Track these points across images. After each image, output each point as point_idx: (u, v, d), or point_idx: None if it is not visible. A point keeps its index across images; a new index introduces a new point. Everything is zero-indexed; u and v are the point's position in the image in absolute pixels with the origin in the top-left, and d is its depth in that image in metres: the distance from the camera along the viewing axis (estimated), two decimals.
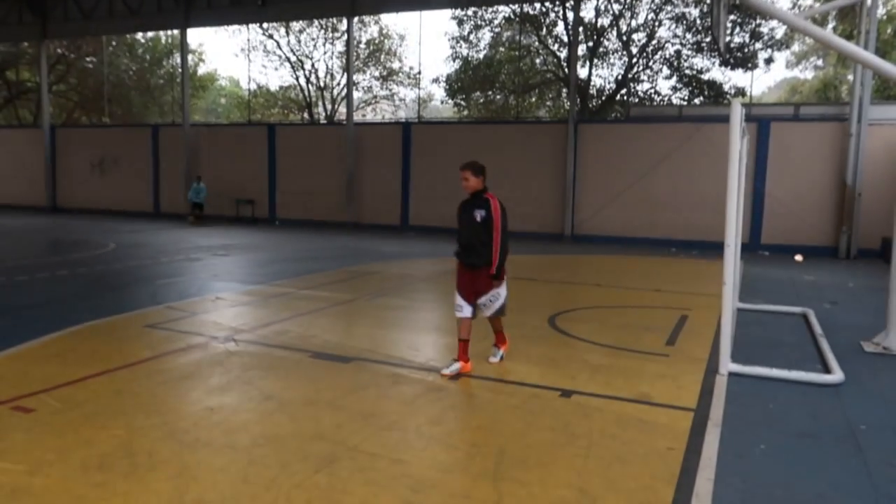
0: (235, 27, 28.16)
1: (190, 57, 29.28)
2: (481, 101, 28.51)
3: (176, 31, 25.24)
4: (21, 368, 5.33)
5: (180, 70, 24.43)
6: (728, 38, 22.57)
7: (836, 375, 5.53)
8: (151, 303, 8.20)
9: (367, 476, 3.52)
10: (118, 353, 5.82)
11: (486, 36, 27.51)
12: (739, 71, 24.30)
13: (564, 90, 25.79)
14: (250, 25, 26.03)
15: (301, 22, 29.16)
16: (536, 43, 26.47)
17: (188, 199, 22.10)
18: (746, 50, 23.34)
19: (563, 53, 25.73)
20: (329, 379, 5.23)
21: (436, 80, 28.81)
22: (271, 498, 3.26)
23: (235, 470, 3.57)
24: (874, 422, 4.57)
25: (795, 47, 32.75)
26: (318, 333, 6.75)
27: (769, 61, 24.12)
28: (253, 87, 31.81)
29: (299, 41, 30.80)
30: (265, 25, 29.32)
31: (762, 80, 53.98)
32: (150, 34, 32.81)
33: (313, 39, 30.62)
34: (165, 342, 6.24)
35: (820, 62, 35.79)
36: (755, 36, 23.22)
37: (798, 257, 15.81)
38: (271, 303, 8.43)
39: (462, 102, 28.60)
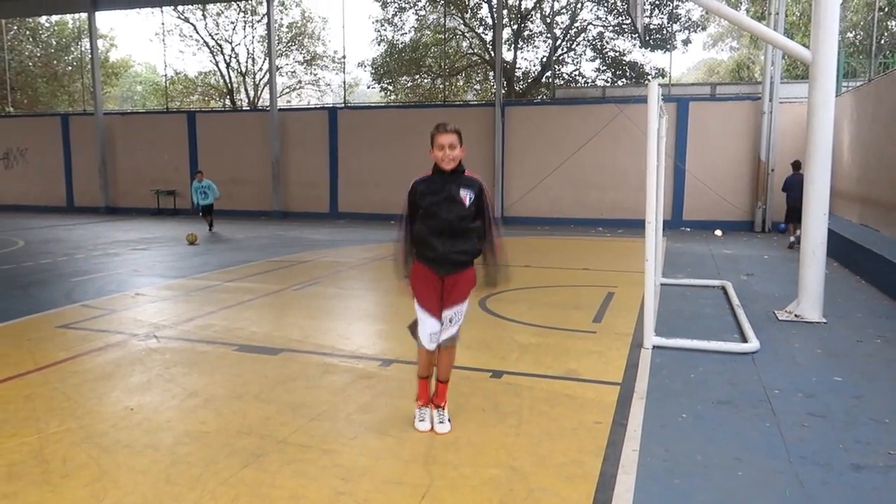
0: (148, 10, 26.87)
1: (100, 42, 27.90)
2: (408, 84, 28.30)
3: (83, 15, 23.90)
4: None
5: (90, 56, 23.19)
6: (647, 21, 23.15)
7: (752, 344, 5.79)
8: (66, 302, 7.79)
9: (296, 468, 3.45)
10: (29, 355, 5.50)
11: (410, 18, 27.29)
12: (659, 52, 24.97)
13: (491, 73, 25.90)
14: (164, 8, 24.88)
15: (218, 4, 28.13)
16: (462, 26, 26.44)
17: (195, 204, 16.42)
18: (665, 31, 23.98)
19: (489, 36, 25.81)
20: (256, 372, 5.10)
21: (361, 65, 28.39)
22: (196, 497, 3.15)
23: (157, 471, 3.43)
24: (786, 386, 4.80)
25: (711, 29, 34.00)
26: (244, 326, 6.57)
27: (686, 42, 24.89)
28: (170, 73, 30.60)
29: (217, 24, 29.72)
30: (180, 8, 28.13)
31: (681, 62, 55.72)
32: (55, 18, 30.96)
33: (232, 23, 29.61)
34: (81, 342, 5.94)
35: (735, 43, 37.27)
36: (673, 17, 23.89)
37: (718, 232, 16.48)
38: (194, 297, 8.16)
39: (389, 87, 28.32)
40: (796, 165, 12.81)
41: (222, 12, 29.28)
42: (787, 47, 7.21)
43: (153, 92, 36.16)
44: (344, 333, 6.37)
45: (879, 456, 3.64)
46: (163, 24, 32.50)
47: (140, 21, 70.76)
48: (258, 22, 28.87)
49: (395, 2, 26.62)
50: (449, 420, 3.99)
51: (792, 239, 12.97)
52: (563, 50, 25.92)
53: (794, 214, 12.19)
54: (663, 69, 24.93)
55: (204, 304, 7.68)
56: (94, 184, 23.04)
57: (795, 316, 6.96)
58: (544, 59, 25.90)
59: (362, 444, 3.77)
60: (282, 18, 28.98)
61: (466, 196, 3.77)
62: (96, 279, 9.38)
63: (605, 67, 25.85)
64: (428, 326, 3.88)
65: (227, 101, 30.81)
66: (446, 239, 3.79)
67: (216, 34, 29.91)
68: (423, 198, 3.78)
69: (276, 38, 24.61)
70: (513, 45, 25.59)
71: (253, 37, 29.79)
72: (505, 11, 23.03)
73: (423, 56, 27.22)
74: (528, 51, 26.67)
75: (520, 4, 25.39)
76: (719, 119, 17.55)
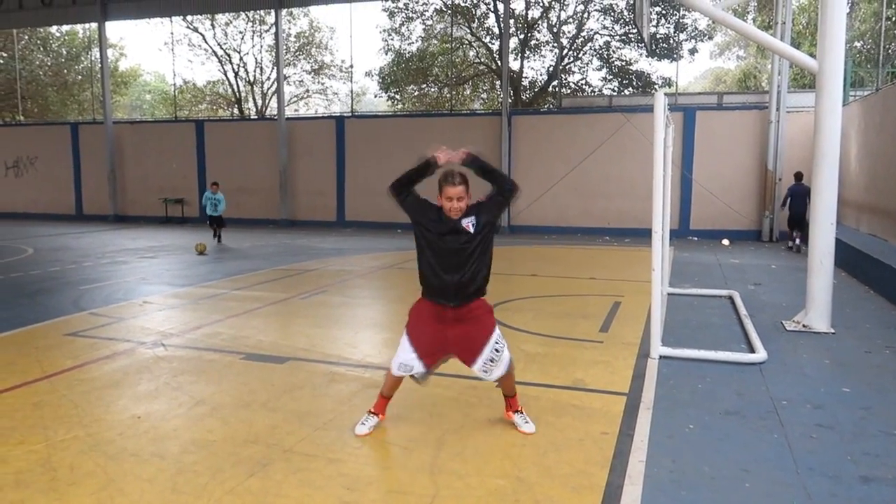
0: (158, 20, 27.07)
1: (110, 51, 28.11)
2: (415, 93, 28.40)
3: (94, 25, 24.11)
4: None
5: (100, 65, 23.39)
6: (653, 30, 23.17)
7: (760, 354, 5.76)
8: (73, 309, 7.84)
9: (301, 477, 3.46)
10: (37, 363, 5.53)
11: (417, 28, 27.41)
12: (666, 62, 24.99)
13: (498, 82, 25.97)
14: (173, 18, 25.07)
15: (227, 14, 28.33)
16: (469, 35, 26.53)
17: (208, 213, 16.16)
18: (671, 41, 23.99)
19: (496, 46, 25.88)
20: (263, 380, 5.11)
21: (368, 74, 28.45)
22: None
23: (164, 479, 3.44)
24: (794, 397, 4.77)
25: (718, 38, 33.96)
26: (251, 334, 6.59)
27: (693, 52, 24.87)
28: (179, 82, 30.81)
29: (226, 34, 29.92)
30: (189, 18, 28.35)
31: (688, 71, 55.50)
32: (65, 28, 31.26)
33: (241, 32, 29.82)
34: (89, 350, 5.97)
35: (741, 53, 37.23)
36: (679, 27, 23.90)
37: (725, 241, 16.41)
38: (202, 305, 8.19)
39: (396, 96, 28.42)
40: (798, 176, 13.98)
41: (231, 22, 29.51)
42: (793, 57, 7.21)
43: (162, 101, 36.43)
44: (351, 342, 6.38)
45: (889, 468, 3.61)
46: (172, 33, 32.73)
47: (149, 31, 71.12)
48: (266, 31, 29.09)
49: (402, 12, 26.77)
50: (530, 420, 4.15)
51: (791, 243, 14.31)
52: (569, 59, 25.97)
53: (795, 221, 13.86)
54: (670, 78, 24.92)
55: (211, 312, 7.70)
56: (103, 192, 23.19)
57: (803, 326, 6.93)
58: (551, 69, 25.96)
59: (368, 454, 3.77)
60: (290, 28, 29.18)
61: (469, 224, 3.84)
62: (104, 287, 9.43)
63: (611, 77, 25.87)
64: (403, 357, 3.96)
65: (235, 110, 30.99)
66: (453, 267, 3.84)
67: (225, 44, 30.15)
68: (430, 224, 3.85)
69: (284, 47, 24.77)
70: (520, 55, 25.66)
71: (261, 46, 30.01)
72: (512, 21, 23.12)
73: (430, 65, 27.33)
74: (534, 60, 26.78)
75: (527, 14, 25.48)
76: (726, 128, 17.52)
